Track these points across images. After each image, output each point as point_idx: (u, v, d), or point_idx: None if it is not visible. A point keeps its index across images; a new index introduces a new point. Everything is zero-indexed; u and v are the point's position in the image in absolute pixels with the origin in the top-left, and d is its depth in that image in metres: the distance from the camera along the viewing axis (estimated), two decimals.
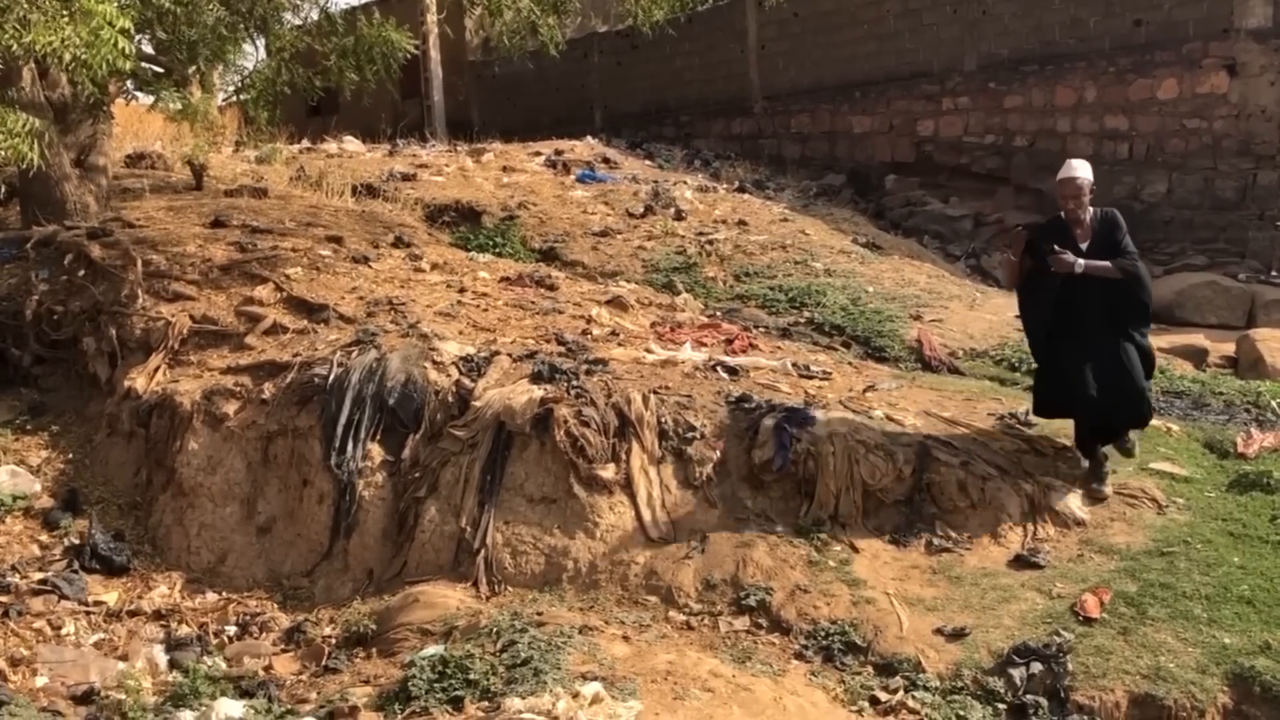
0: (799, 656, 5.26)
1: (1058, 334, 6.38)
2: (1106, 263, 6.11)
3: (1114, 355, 6.18)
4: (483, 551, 6.02)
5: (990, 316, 10.21)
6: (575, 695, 4.32)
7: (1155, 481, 6.39)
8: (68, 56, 5.95)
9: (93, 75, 6.19)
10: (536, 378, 6.76)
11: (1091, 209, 6.29)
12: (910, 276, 11.34)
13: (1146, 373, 6.37)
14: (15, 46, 5.98)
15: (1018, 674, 4.90)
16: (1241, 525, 5.90)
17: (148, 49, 9.21)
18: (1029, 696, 4.82)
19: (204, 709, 4.81)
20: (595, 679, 4.60)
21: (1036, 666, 4.91)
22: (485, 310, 8.25)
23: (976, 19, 16.64)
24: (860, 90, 17.95)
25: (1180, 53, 14.54)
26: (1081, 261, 6.10)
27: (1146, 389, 6.35)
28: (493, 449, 6.38)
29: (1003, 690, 4.86)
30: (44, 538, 6.56)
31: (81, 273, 8.19)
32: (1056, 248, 6.15)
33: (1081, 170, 6.31)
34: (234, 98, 11.32)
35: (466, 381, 6.79)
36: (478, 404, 6.59)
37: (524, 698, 4.35)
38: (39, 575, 6.16)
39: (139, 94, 9.93)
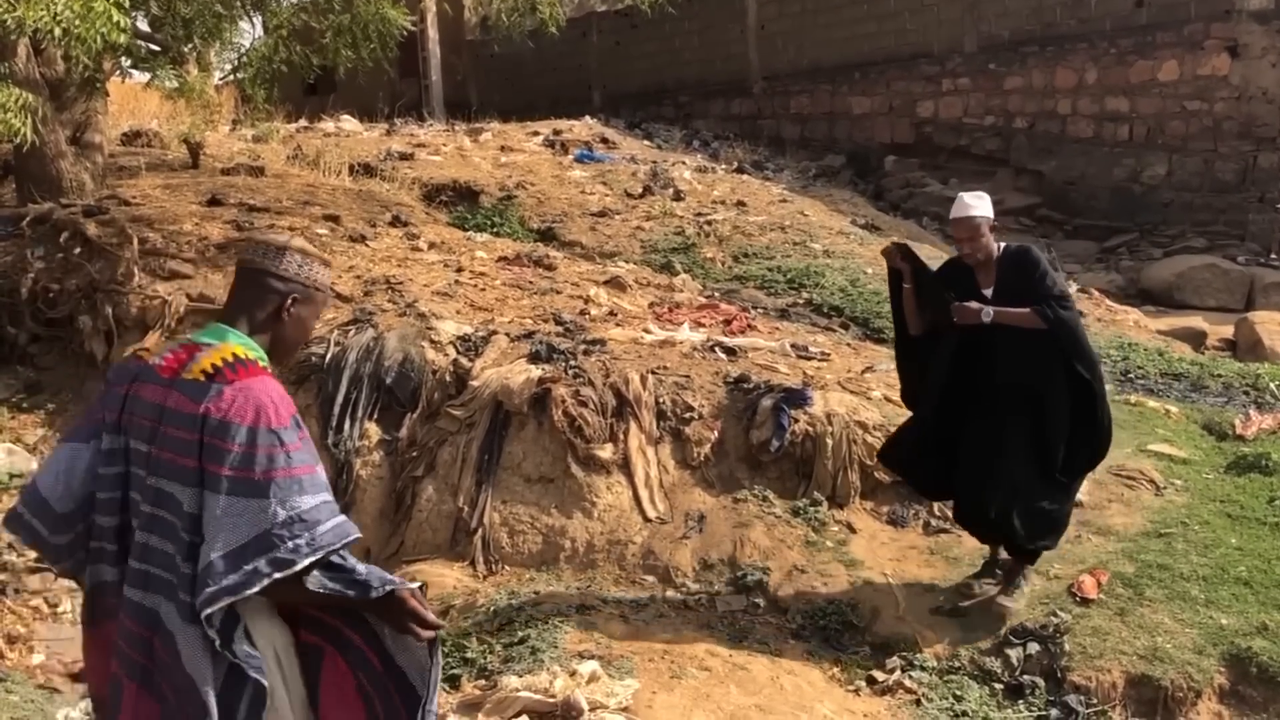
0: (796, 636, 5.25)
1: (952, 411, 5.10)
2: (1024, 310, 4.85)
3: (997, 444, 4.95)
4: (480, 531, 6.01)
5: None
6: (572, 673, 4.32)
7: (1153, 463, 6.39)
8: (59, 31, 5.90)
9: (86, 49, 6.13)
10: (534, 357, 6.74)
11: (999, 245, 5.04)
12: None
13: (1078, 464, 5.06)
14: (8, 20, 5.92)
15: (1015, 654, 4.90)
16: (1239, 507, 5.91)
17: (144, 26, 9.14)
18: (1026, 677, 4.81)
19: None
20: (592, 658, 4.60)
21: (1034, 647, 4.91)
22: (483, 290, 8.22)
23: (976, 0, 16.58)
24: (860, 71, 17.91)
25: (1181, 34, 14.50)
26: (990, 309, 4.87)
27: (1027, 503, 4.93)
28: (490, 428, 6.36)
29: (1000, 670, 4.86)
30: None
31: (77, 250, 8.14)
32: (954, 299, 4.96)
33: (974, 207, 4.99)
34: (231, 76, 11.26)
35: (464, 361, 6.77)
36: (475, 383, 6.57)
37: (521, 676, 4.35)
38: (36, 554, 6.14)
39: (134, 71, 9.84)
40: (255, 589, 2.36)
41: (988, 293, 5.00)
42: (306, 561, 2.38)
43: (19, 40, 7.57)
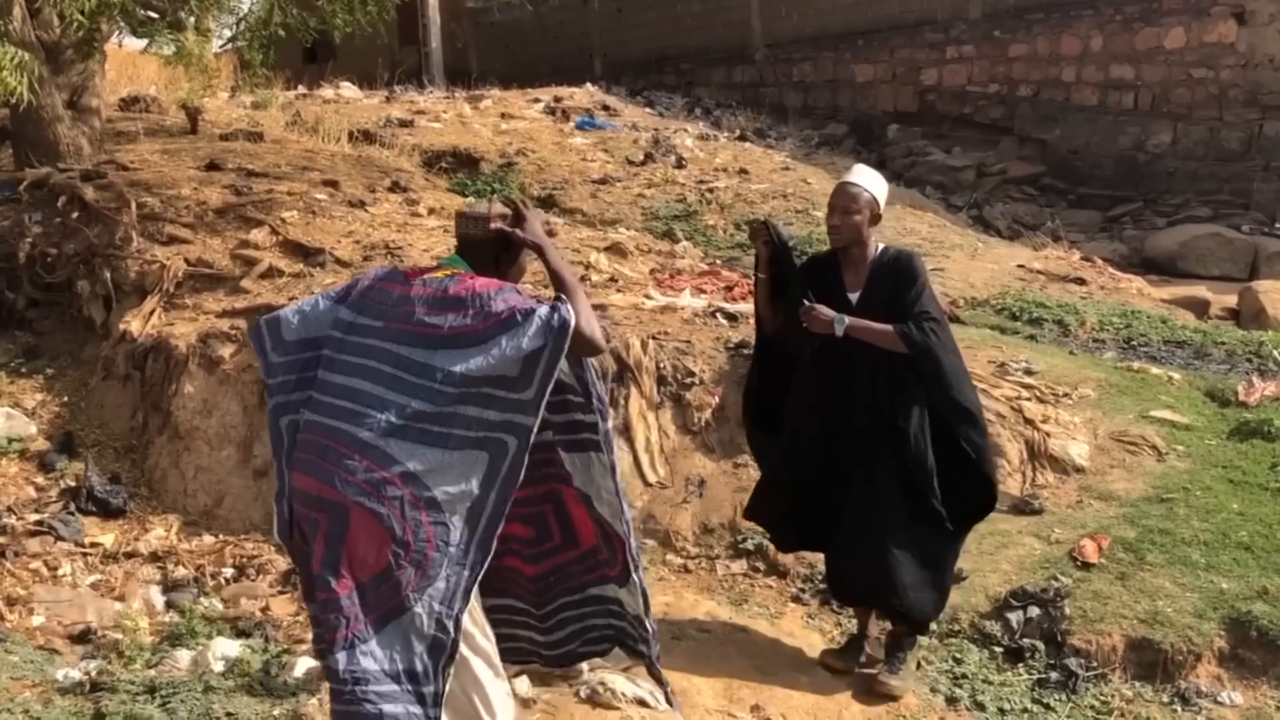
0: (796, 600, 5.27)
1: (807, 439, 4.42)
2: (886, 326, 4.16)
3: (867, 500, 4.29)
4: None
5: (991, 266, 10.15)
6: None
7: (1155, 429, 6.37)
8: None
9: (80, 5, 6.05)
10: None
11: (878, 246, 4.38)
12: (912, 225, 11.26)
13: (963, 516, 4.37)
14: None
15: (1015, 618, 4.90)
16: (1241, 472, 5.89)
17: None
18: (1026, 640, 4.82)
19: (201, 648, 4.82)
20: None
21: (1034, 611, 4.91)
22: None
23: None
24: (863, 38, 17.77)
25: (1188, 1, 14.36)
26: (845, 319, 4.16)
27: (917, 577, 4.28)
28: None
29: (999, 634, 4.87)
30: (40, 480, 6.53)
31: (75, 215, 8.09)
32: (809, 300, 4.24)
33: (861, 178, 4.35)
34: (229, 44, 11.16)
35: None
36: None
37: None
38: (35, 517, 6.13)
39: (132, 36, 9.76)
40: (560, 353, 3.09)
41: (853, 297, 4.29)
42: (570, 332, 3.08)
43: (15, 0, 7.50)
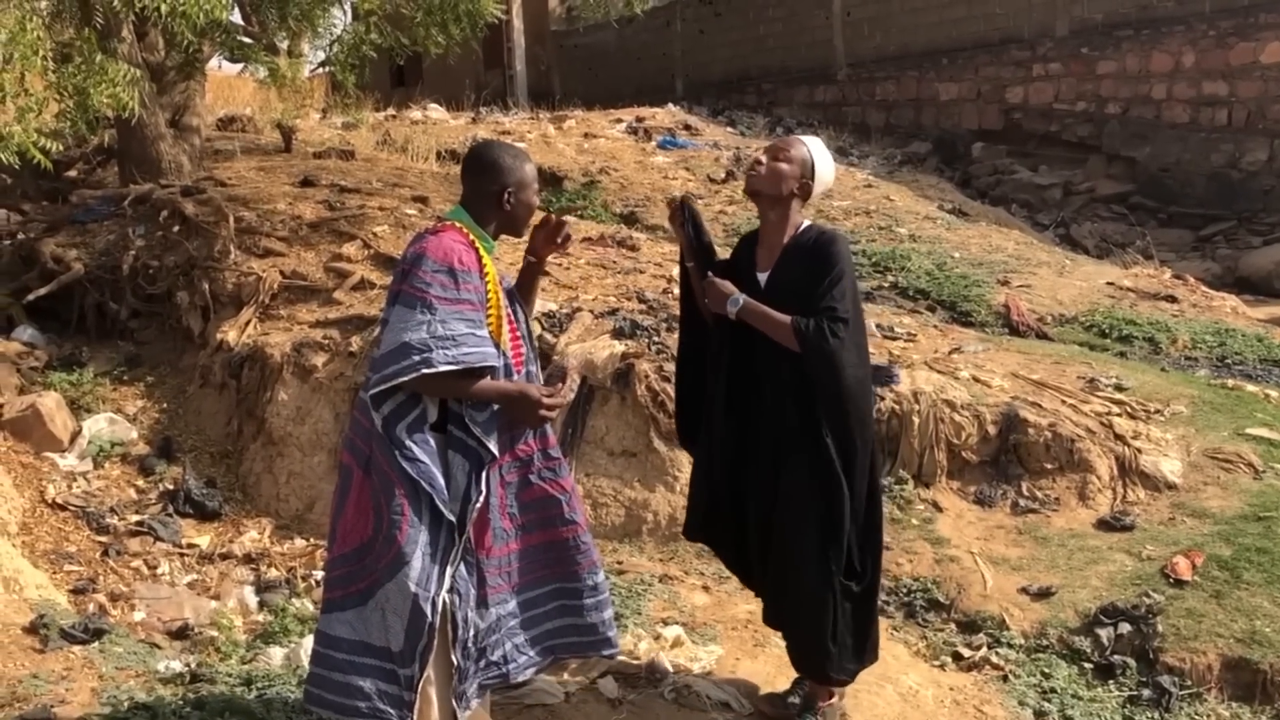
0: (880, 612, 5.20)
1: (719, 442, 3.86)
2: (784, 317, 3.56)
3: (778, 523, 3.73)
4: None
5: (1080, 283, 9.98)
6: (657, 637, 4.34)
7: (1252, 446, 6.20)
8: (165, 8, 6.09)
9: (190, 25, 6.32)
10: (618, 334, 6.78)
11: (801, 225, 3.74)
12: (998, 243, 11.12)
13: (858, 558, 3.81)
14: (116, 2, 6.13)
15: (1105, 634, 4.79)
16: None
17: (238, 20, 9.39)
18: (1116, 657, 4.71)
19: (293, 646, 4.93)
20: (676, 624, 4.62)
21: (1125, 627, 4.79)
22: (567, 269, 8.28)
23: None
24: (948, 57, 17.64)
25: None
26: (741, 298, 3.61)
27: (829, 606, 3.74)
28: (574, 403, 6.41)
29: (1089, 650, 4.77)
30: (140, 483, 6.77)
31: (176, 229, 8.40)
32: (711, 275, 3.74)
33: (809, 142, 3.79)
34: (321, 67, 11.49)
35: (549, 337, 6.83)
36: (559, 359, 6.62)
37: None
38: (136, 518, 6.36)
39: (229, 61, 10.11)
40: (405, 379, 3.04)
41: (761, 278, 3.72)
42: (444, 368, 3.03)
43: (125, 20, 7.82)
